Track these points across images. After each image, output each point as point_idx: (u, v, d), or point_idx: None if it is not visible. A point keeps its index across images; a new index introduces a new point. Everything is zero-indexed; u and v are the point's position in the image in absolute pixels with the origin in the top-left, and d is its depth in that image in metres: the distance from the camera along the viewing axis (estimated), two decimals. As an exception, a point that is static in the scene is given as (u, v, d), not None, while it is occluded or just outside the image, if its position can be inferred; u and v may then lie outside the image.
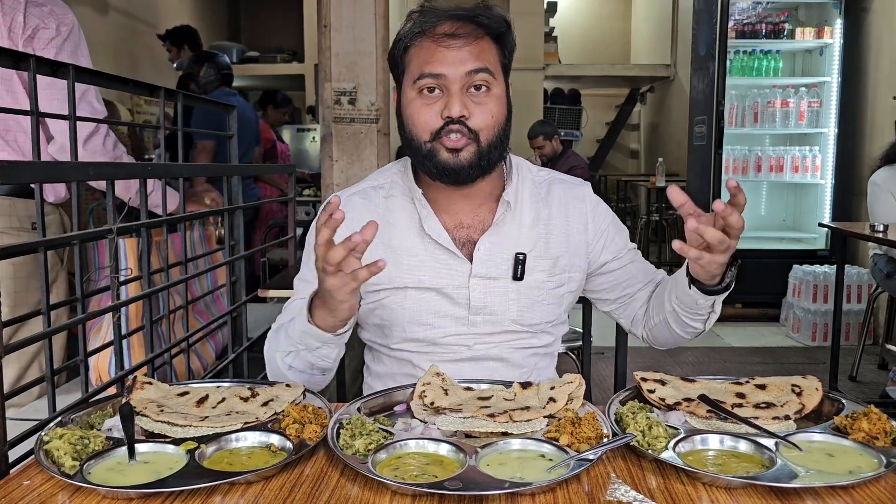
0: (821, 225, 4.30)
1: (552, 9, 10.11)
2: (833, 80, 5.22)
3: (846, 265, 4.33)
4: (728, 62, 5.25)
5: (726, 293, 1.27)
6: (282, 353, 1.28)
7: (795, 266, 5.01)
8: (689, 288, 1.27)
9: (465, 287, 1.34)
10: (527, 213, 1.39)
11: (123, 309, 1.48)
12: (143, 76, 1.77)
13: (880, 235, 3.27)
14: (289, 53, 9.17)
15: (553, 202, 1.42)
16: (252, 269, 4.24)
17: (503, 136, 1.31)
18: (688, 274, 1.26)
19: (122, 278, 1.45)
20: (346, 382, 2.57)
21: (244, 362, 2.12)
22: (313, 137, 7.30)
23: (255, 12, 10.74)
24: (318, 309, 1.19)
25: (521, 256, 1.34)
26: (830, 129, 5.27)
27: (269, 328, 2.42)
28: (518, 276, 1.35)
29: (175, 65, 5.13)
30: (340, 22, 4.12)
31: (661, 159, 7.30)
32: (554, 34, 9.96)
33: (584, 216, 1.43)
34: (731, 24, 5.23)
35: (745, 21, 5.34)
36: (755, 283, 5.26)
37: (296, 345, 1.24)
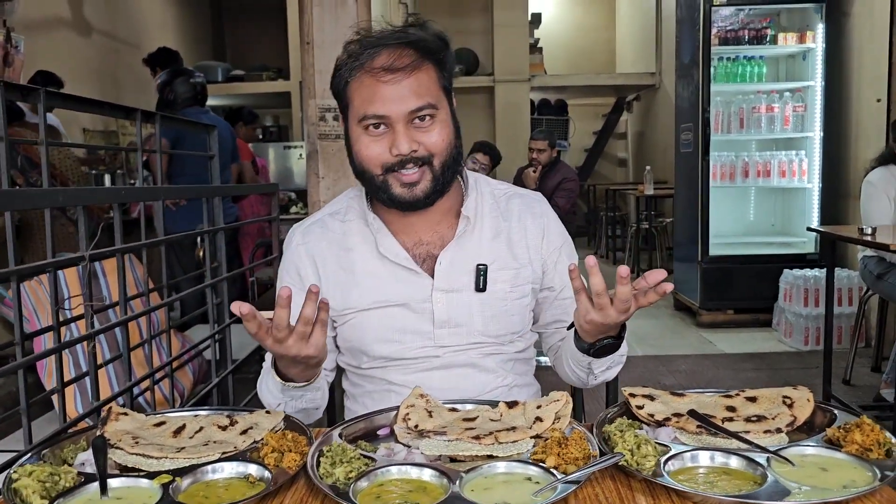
0: (809, 229, 4.29)
1: (536, 20, 10.15)
2: (817, 84, 5.23)
3: (836, 268, 4.32)
4: (712, 69, 5.26)
5: (602, 359, 1.27)
6: (273, 405, 1.28)
7: (786, 270, 5.00)
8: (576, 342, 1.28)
9: (428, 301, 1.34)
10: (487, 226, 1.39)
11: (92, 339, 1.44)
12: (126, 98, 1.74)
13: (869, 238, 3.26)
14: (274, 71, 9.16)
15: (512, 215, 1.42)
16: (241, 288, 4.19)
17: (456, 154, 1.31)
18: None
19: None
20: (336, 405, 2.54)
21: (229, 386, 2.09)
22: (300, 155, 7.28)
23: (240, 31, 10.74)
24: (287, 368, 1.19)
25: (482, 267, 1.34)
26: (816, 133, 5.27)
27: (255, 350, 2.39)
28: (480, 287, 1.34)
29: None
30: (323, 39, 4.10)
31: (648, 167, 7.31)
32: (539, 45, 10.01)
33: (541, 230, 1.42)
34: (714, 31, 5.24)
35: (727, 28, 5.35)
36: (746, 288, 5.26)
37: (281, 398, 1.25)
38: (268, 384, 1.27)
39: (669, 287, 1.09)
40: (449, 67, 1.32)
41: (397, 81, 1.23)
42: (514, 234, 1.40)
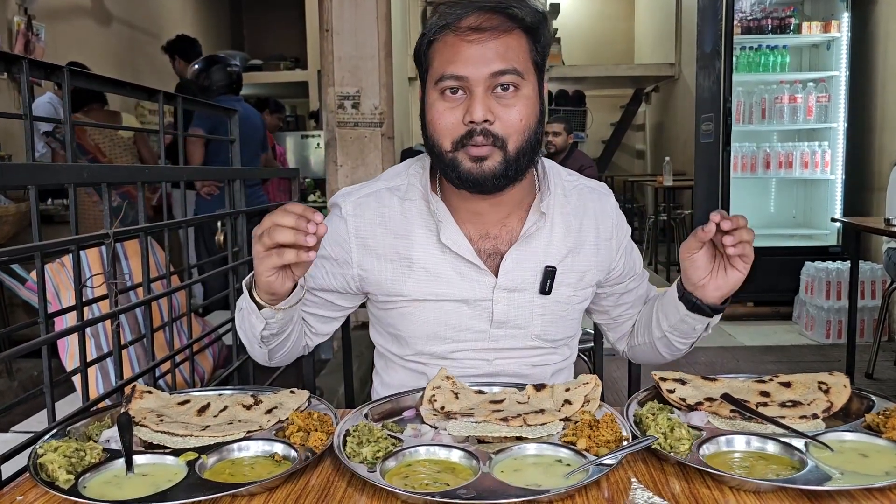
0: (833, 220, 4.23)
1: (555, 10, 10.06)
2: (841, 74, 5.15)
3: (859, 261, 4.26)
4: (734, 58, 5.19)
5: (721, 314, 1.26)
6: (237, 320, 1.24)
7: (807, 263, 4.94)
8: (689, 312, 1.24)
9: (488, 300, 1.25)
10: (558, 223, 1.29)
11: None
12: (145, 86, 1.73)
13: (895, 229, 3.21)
14: (292, 61, 9.17)
15: (583, 213, 1.32)
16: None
17: (534, 140, 1.18)
18: (685, 300, 1.23)
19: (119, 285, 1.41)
20: (355, 389, 2.53)
21: (250, 370, 2.08)
22: (317, 144, 7.27)
23: (258, 21, 10.75)
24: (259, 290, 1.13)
25: (550, 269, 1.26)
26: (840, 124, 5.19)
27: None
28: (546, 290, 1.26)
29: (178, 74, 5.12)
30: (342, 26, 4.09)
31: (667, 158, 7.23)
32: (557, 35, 9.93)
33: (610, 230, 1.35)
34: (736, 20, 5.17)
35: (750, 17, 5.28)
36: (766, 281, 5.20)
37: (242, 306, 1.20)
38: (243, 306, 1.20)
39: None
40: (543, 43, 1.20)
41: (483, 42, 1.13)
42: (584, 234, 1.31)
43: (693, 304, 1.22)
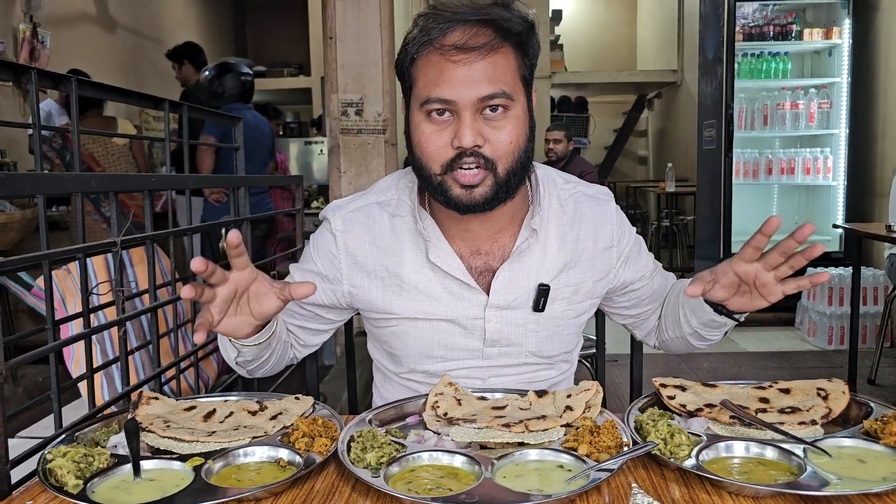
0: (835, 226, 4.24)
1: (557, 17, 10.11)
2: (843, 80, 5.17)
3: (861, 266, 4.26)
4: (736, 65, 5.22)
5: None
6: (222, 349, 1.25)
7: (809, 269, 4.94)
8: (719, 315, 1.22)
9: (480, 318, 1.24)
10: (552, 238, 1.25)
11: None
12: (149, 92, 1.75)
13: (897, 235, 3.22)
14: (295, 67, 9.23)
15: (580, 223, 1.28)
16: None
17: (525, 159, 1.15)
18: (711, 304, 1.21)
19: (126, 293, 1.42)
20: (358, 396, 2.54)
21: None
22: (321, 150, 7.30)
23: (262, 27, 10.80)
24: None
25: (544, 288, 1.23)
26: (841, 130, 5.21)
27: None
28: (539, 307, 1.24)
29: (181, 81, 5.14)
30: (346, 33, 4.11)
31: (670, 164, 7.26)
32: (560, 42, 9.97)
33: (610, 238, 1.30)
34: (737, 26, 5.20)
35: (752, 23, 5.30)
36: (769, 286, 5.19)
37: (225, 345, 1.20)
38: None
39: (819, 250, 1.06)
40: (532, 55, 1.16)
41: (469, 63, 1.08)
42: (580, 245, 1.27)
43: (719, 309, 1.21)
